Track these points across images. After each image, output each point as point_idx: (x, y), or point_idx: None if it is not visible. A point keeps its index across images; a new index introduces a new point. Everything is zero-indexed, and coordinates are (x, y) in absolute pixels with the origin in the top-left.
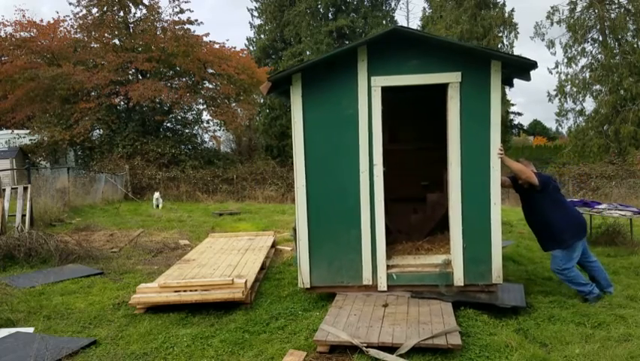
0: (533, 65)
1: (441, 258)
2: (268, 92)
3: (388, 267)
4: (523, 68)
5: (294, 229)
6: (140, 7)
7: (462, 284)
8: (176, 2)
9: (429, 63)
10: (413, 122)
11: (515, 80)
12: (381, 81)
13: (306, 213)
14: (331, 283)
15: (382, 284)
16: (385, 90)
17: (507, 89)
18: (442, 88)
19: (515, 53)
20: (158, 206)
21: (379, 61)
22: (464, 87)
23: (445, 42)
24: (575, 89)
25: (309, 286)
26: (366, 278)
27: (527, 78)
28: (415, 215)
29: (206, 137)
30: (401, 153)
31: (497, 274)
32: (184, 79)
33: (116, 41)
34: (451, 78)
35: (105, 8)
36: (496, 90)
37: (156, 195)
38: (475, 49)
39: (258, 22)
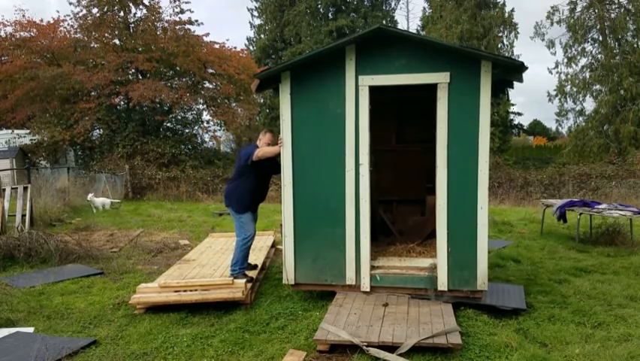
0: (521, 65)
1: (428, 262)
2: (257, 89)
3: (372, 268)
4: (512, 69)
5: (282, 225)
6: (141, 7)
7: (445, 289)
8: (177, 2)
9: (417, 63)
10: (422, 123)
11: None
12: (368, 81)
13: (292, 210)
14: (315, 281)
15: (365, 285)
16: (384, 89)
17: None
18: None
19: (515, 53)
20: (104, 207)
21: (367, 60)
22: (453, 88)
23: (432, 42)
24: (575, 89)
25: (293, 282)
26: (350, 278)
27: (519, 79)
28: (414, 217)
29: (207, 137)
30: (408, 154)
31: (482, 281)
32: (184, 79)
33: (117, 41)
34: (440, 79)
35: (105, 8)
36: (486, 91)
37: (90, 195)
38: (464, 49)
39: (258, 22)
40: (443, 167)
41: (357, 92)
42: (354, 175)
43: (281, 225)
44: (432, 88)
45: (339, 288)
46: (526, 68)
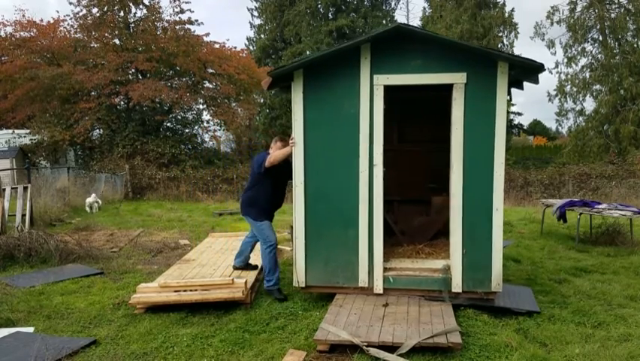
0: (540, 67)
1: (441, 263)
2: (269, 87)
3: (385, 270)
4: (530, 70)
5: (292, 227)
6: (141, 6)
7: (460, 290)
8: (177, 2)
9: (433, 63)
10: (423, 123)
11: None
12: (383, 80)
13: (304, 211)
14: (327, 284)
15: (378, 287)
16: (392, 89)
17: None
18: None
19: (515, 53)
20: (96, 208)
21: (382, 59)
22: (469, 88)
23: (450, 42)
24: (575, 89)
25: (304, 285)
26: (362, 280)
27: (535, 81)
28: (419, 218)
29: (207, 137)
30: (410, 153)
31: (497, 282)
32: (184, 79)
33: (117, 41)
34: (456, 79)
35: (105, 8)
36: (502, 92)
37: (93, 197)
38: (482, 49)
39: (258, 22)
40: (459, 168)
41: (371, 91)
42: (367, 176)
43: (291, 226)
44: (437, 88)
45: (351, 290)
46: (545, 69)
